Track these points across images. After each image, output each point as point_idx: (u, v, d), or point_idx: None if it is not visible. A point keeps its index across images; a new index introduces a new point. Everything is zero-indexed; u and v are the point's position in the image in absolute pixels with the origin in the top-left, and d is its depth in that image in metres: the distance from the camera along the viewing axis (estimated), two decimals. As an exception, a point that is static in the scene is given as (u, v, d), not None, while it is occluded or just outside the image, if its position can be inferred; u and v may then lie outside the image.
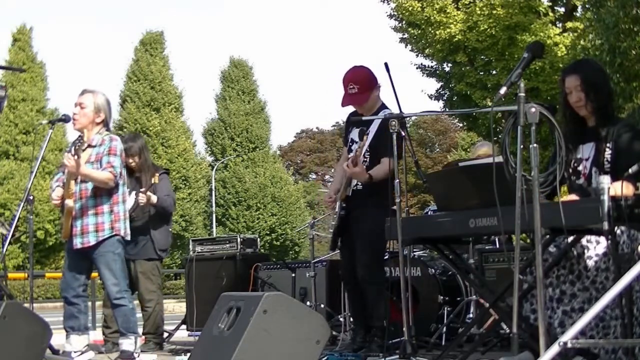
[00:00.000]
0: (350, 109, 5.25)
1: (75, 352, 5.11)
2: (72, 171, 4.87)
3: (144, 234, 6.18)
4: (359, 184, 4.99)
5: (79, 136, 4.97)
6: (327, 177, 50.64)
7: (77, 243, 5.07)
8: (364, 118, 4.96)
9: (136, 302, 6.50)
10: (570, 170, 3.81)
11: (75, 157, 4.81)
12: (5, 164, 30.23)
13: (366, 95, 5.01)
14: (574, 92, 3.79)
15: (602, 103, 3.77)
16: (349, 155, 5.02)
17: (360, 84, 4.98)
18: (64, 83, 65.16)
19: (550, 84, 16.60)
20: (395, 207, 4.19)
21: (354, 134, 5.15)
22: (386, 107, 5.01)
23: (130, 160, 6.21)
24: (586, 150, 3.80)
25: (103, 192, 5.12)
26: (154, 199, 6.13)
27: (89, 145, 5.14)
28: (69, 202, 5.03)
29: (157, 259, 6.28)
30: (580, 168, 3.79)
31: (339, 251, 5.38)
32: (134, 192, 6.17)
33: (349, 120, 5.28)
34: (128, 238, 5.29)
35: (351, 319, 5.54)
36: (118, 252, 5.16)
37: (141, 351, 5.79)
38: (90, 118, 5.17)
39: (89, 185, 5.09)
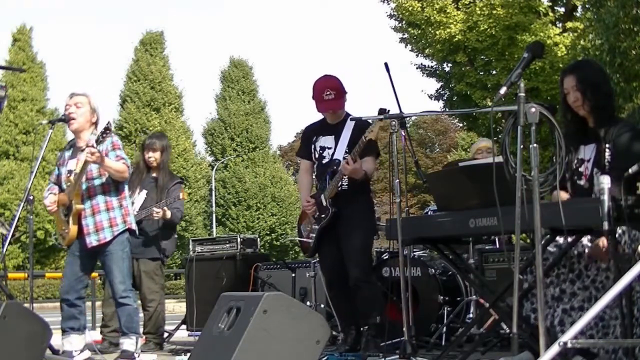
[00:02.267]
0: (304, 123, 5.45)
1: (75, 351, 5.12)
2: (97, 162, 4.88)
3: (150, 233, 6.19)
4: (345, 184, 5.05)
5: (106, 127, 4.97)
6: (327, 177, 50.52)
7: (93, 241, 5.07)
8: (365, 118, 4.96)
9: (138, 302, 6.51)
10: (572, 171, 3.81)
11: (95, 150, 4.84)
12: (5, 164, 30.22)
13: (342, 100, 5.18)
14: (571, 92, 3.80)
15: (599, 103, 3.77)
16: (339, 158, 5.04)
17: (336, 90, 5.13)
18: (64, 83, 65.09)
19: (550, 84, 16.61)
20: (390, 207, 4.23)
21: (324, 141, 5.24)
22: (349, 114, 5.15)
23: (151, 155, 6.24)
24: (588, 151, 3.80)
25: (111, 188, 5.16)
26: (168, 214, 6.12)
27: (87, 145, 5.16)
28: (77, 204, 5.06)
29: (161, 259, 6.30)
30: (581, 169, 3.79)
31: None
32: (144, 191, 6.18)
33: (311, 131, 5.36)
34: (137, 232, 5.37)
35: (339, 321, 5.47)
36: (126, 251, 5.21)
37: (141, 351, 5.79)
38: (88, 118, 5.21)
39: (97, 182, 5.11)
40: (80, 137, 5.22)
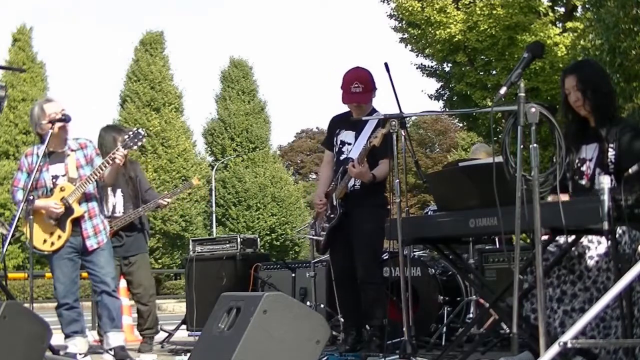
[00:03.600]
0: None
1: (80, 354, 5.11)
2: (118, 168, 5.02)
3: (140, 228, 6.20)
4: (357, 183, 5.02)
5: (138, 133, 5.03)
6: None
7: (93, 244, 5.14)
8: (364, 118, 4.97)
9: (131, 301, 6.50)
10: (573, 171, 3.81)
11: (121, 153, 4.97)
12: (5, 164, 30.23)
13: (369, 95, 5.11)
14: (572, 92, 3.80)
15: (599, 102, 3.77)
16: (353, 157, 5.02)
17: (365, 83, 5.07)
18: (64, 83, 65.17)
19: (550, 84, 16.60)
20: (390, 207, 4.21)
21: (345, 136, 5.20)
22: (377, 111, 5.07)
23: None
24: (589, 151, 3.80)
25: (98, 192, 5.29)
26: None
27: (71, 150, 5.23)
28: (78, 208, 5.11)
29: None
30: (583, 168, 3.79)
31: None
32: (119, 189, 6.16)
33: (336, 123, 5.31)
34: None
35: (342, 320, 5.49)
36: (112, 249, 5.38)
37: (139, 351, 5.80)
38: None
39: (91, 187, 5.16)
40: (58, 143, 5.21)
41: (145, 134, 5.11)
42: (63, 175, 5.15)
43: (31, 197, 5.06)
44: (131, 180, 6.20)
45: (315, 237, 5.39)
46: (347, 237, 5.04)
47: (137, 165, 6.44)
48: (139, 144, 5.01)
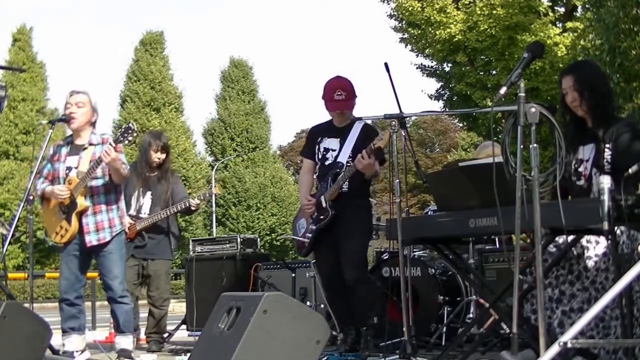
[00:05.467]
0: (309, 123, 5.46)
1: (76, 351, 5.12)
2: (113, 159, 4.90)
3: (165, 232, 6.19)
4: (345, 187, 5.06)
5: (128, 127, 4.97)
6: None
7: (92, 240, 5.10)
8: (366, 118, 5.01)
9: (142, 302, 6.49)
10: (571, 171, 3.81)
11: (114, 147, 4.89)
12: (5, 164, 30.24)
13: (352, 102, 5.20)
14: (569, 92, 3.81)
15: (596, 102, 3.77)
16: (342, 161, 5.09)
17: (347, 91, 5.15)
18: (64, 83, 65.09)
19: (550, 84, 16.60)
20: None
21: (328, 143, 5.25)
22: (356, 118, 5.16)
23: (160, 156, 6.19)
24: (586, 152, 3.80)
25: (111, 189, 5.21)
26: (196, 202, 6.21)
27: (90, 144, 5.19)
28: (82, 202, 5.08)
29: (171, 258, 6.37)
30: (580, 169, 3.79)
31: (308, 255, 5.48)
32: (149, 192, 6.16)
33: (316, 132, 5.36)
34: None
35: (337, 322, 5.46)
36: (124, 252, 5.31)
37: (148, 350, 5.80)
38: (89, 117, 5.25)
39: (100, 182, 5.14)
40: (80, 135, 5.24)
41: (136, 129, 5.01)
42: (76, 168, 5.16)
43: (31, 197, 5.08)
44: (167, 185, 6.18)
45: (297, 238, 5.39)
46: (335, 240, 5.07)
47: (176, 177, 6.43)
48: (130, 138, 4.96)
